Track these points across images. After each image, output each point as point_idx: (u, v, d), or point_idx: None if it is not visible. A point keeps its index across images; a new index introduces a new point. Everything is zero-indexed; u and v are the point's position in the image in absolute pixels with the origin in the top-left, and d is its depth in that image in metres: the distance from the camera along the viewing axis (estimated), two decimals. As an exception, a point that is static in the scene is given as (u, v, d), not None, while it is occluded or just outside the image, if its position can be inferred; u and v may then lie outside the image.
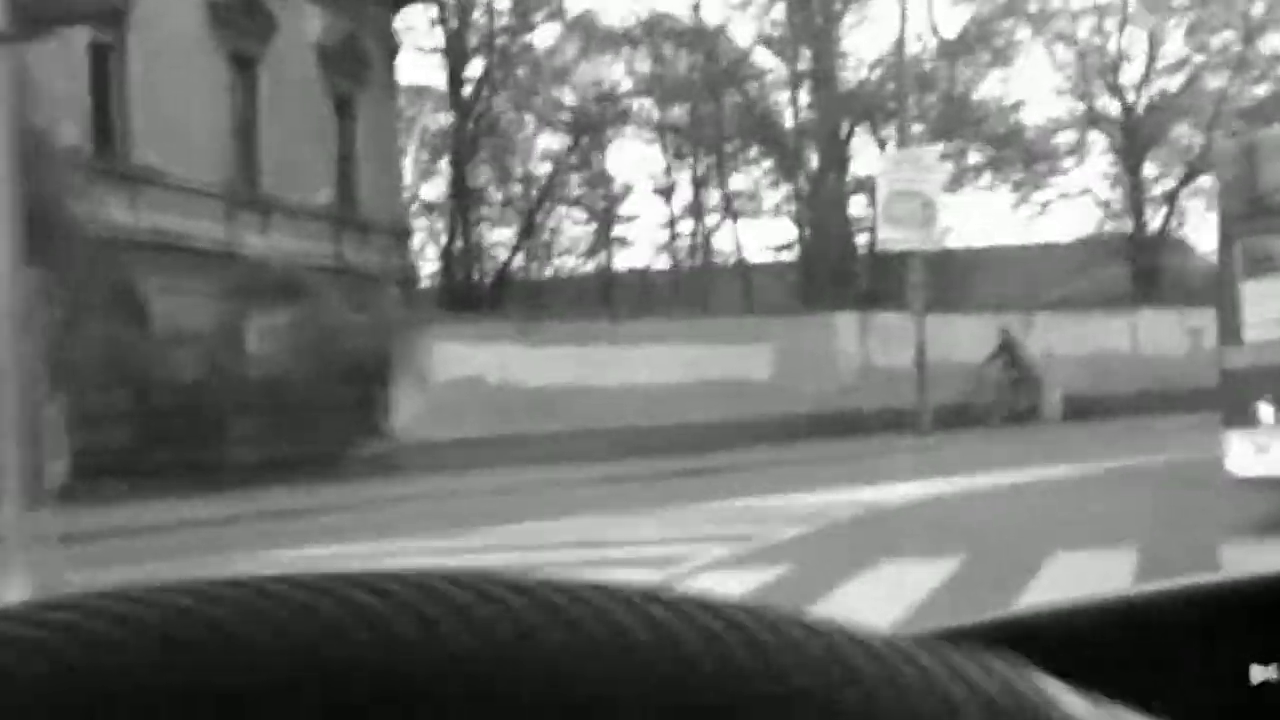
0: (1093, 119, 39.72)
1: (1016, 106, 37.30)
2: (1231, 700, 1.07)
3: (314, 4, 27.52)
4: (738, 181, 39.33)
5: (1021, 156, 37.21)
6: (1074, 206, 40.66)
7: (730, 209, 39.72)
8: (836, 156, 33.65)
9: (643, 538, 12.93)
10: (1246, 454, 11.62)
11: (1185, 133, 40.75)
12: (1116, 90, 39.71)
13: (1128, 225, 40.14)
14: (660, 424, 23.21)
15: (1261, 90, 40.85)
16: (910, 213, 23.72)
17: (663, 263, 42.14)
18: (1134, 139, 39.63)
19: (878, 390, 25.90)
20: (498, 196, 37.45)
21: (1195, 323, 31.19)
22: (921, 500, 15.32)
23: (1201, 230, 48.93)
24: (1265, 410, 11.46)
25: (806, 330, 25.73)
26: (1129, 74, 39.79)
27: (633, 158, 56.35)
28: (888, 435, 24.58)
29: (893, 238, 24.19)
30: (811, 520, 13.47)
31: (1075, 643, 1.05)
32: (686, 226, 42.00)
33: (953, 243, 34.80)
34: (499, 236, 38.13)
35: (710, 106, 34.91)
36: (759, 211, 38.20)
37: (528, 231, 37.77)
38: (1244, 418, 11.59)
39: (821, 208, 33.12)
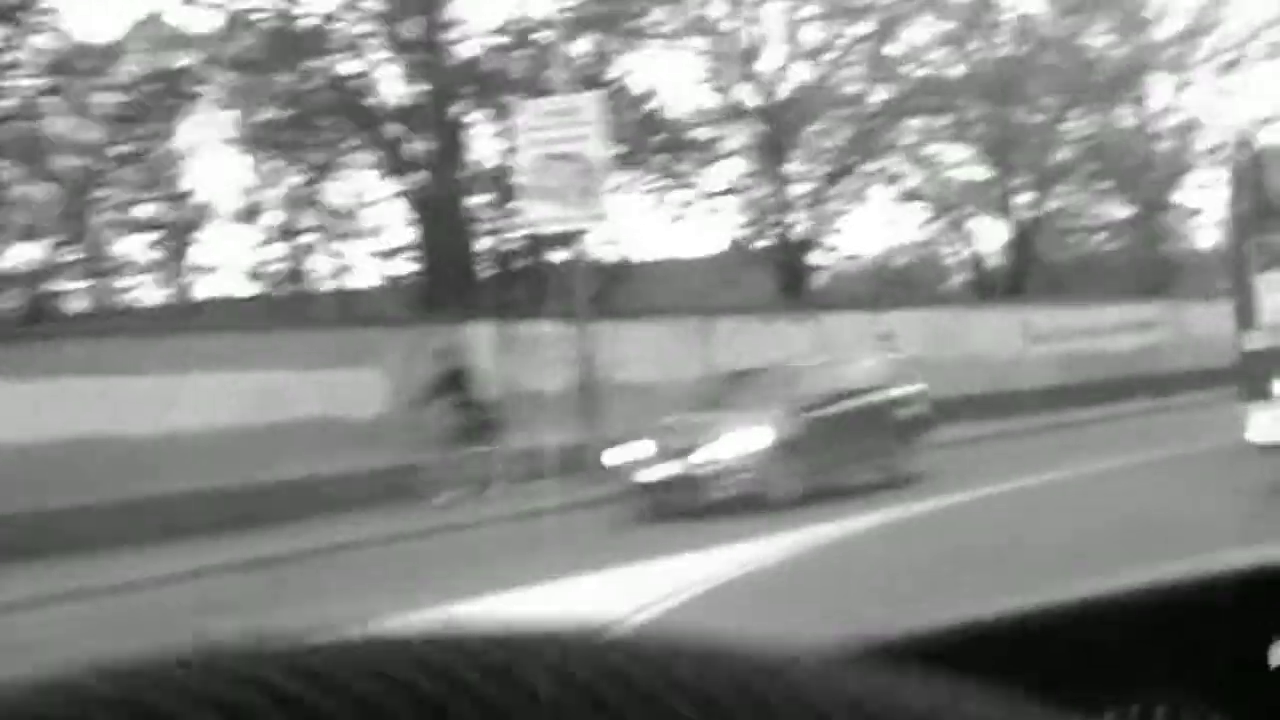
0: (732, 111, 33.50)
1: (651, 94, 30.49)
2: (1254, 681, 1.02)
3: None
4: (339, 193, 31.42)
5: (663, 149, 30.44)
6: (717, 212, 33.74)
7: (331, 222, 31.73)
8: (451, 143, 25.92)
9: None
10: (1264, 424, 12.39)
11: (826, 128, 35.19)
12: (755, 81, 33.66)
13: (773, 228, 34.07)
14: (222, 486, 15.01)
15: (897, 91, 35.92)
16: (567, 181, 16.34)
17: (253, 290, 33.86)
18: (775, 134, 33.64)
19: (526, 422, 18.35)
20: (25, 203, 28.00)
21: (886, 327, 24.97)
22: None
23: (853, 233, 44.12)
24: None
25: (426, 346, 17.89)
26: (767, 63, 33.85)
27: (216, 172, 46.86)
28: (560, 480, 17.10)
29: (545, 216, 16.72)
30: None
31: (1076, 639, 1.01)
32: (280, 249, 33.95)
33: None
34: (32, 254, 28.64)
35: (290, 80, 26.63)
36: (370, 229, 30.41)
37: (69, 247, 28.48)
38: (1261, 393, 12.43)
39: (438, 204, 25.33)
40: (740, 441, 15.14)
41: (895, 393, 17.45)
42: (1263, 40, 41.52)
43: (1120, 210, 41.16)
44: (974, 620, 1.05)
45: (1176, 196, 41.93)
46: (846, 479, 15.80)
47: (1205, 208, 45.53)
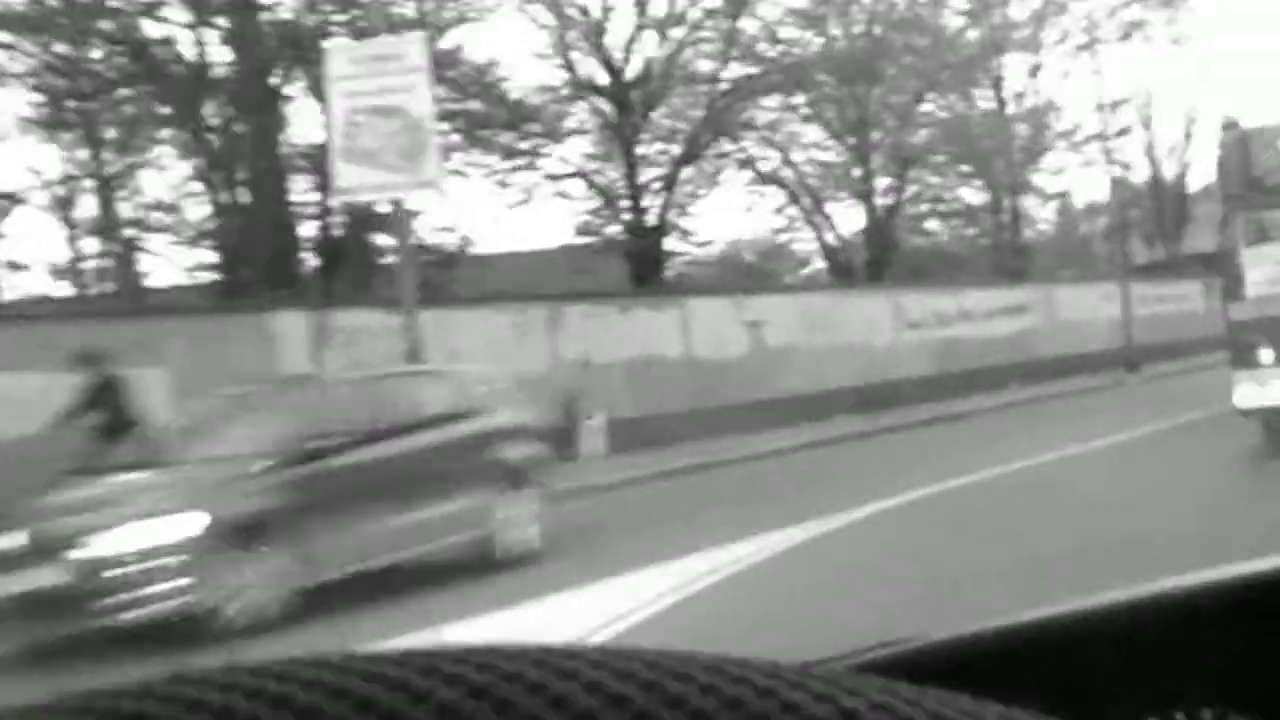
0: (579, 88, 30.71)
1: (492, 65, 27.49)
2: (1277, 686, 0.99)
3: None
4: (153, 180, 28.14)
5: (505, 125, 27.53)
6: (564, 197, 30.99)
7: (145, 212, 28.37)
8: (266, 114, 22.68)
9: None
10: (1250, 390, 12.84)
11: (678, 108, 32.62)
12: (603, 57, 30.91)
13: (624, 213, 31.38)
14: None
15: (752, 69, 33.49)
16: (389, 140, 13.39)
17: (66, 290, 30.60)
18: (625, 113, 30.95)
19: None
20: None
21: (755, 314, 22.37)
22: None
23: (708, 218, 41.26)
24: (1265, 353, 12.70)
25: (226, 340, 14.76)
26: (615, 38, 31.11)
27: (23, 160, 42.70)
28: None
29: (363, 182, 13.73)
30: None
31: (1091, 645, 0.98)
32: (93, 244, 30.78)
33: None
34: None
35: (85, 47, 23.10)
36: (187, 220, 27.06)
37: None
38: (1247, 360, 12.85)
39: (253, 185, 22.09)
40: (165, 523, 8.87)
41: (494, 423, 11.16)
42: (1115, 22, 40.18)
43: (978, 195, 39.41)
44: (1001, 629, 1.00)
45: (1034, 180, 40.37)
46: (392, 563, 9.86)
47: (1061, 191, 44.27)
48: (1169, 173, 45.22)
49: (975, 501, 11.88)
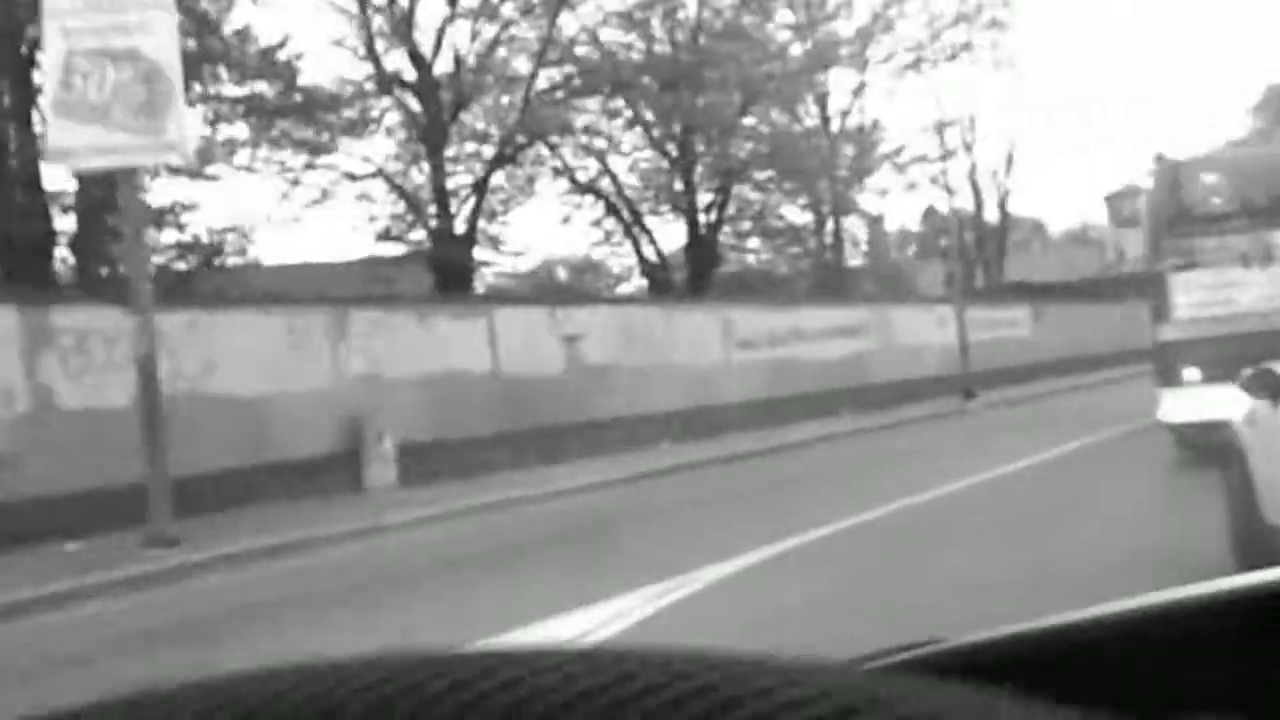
0: (384, 82, 27.79)
1: (283, 44, 24.31)
2: (1275, 700, 0.99)
3: None
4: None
5: (298, 111, 24.47)
6: (364, 199, 28.07)
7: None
8: (17, 86, 19.33)
9: None
10: (1174, 406, 13.27)
11: (491, 109, 29.95)
12: (410, 49, 28.07)
13: (429, 219, 28.54)
14: None
15: (570, 69, 31.02)
16: (118, 91, 10.46)
17: None
18: (433, 112, 28.15)
19: (69, 458, 12.30)
20: None
21: (572, 328, 19.69)
22: None
23: (521, 227, 38.39)
24: (1189, 372, 13.18)
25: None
26: (424, 31, 28.29)
27: None
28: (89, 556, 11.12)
29: (83, 142, 10.72)
30: None
31: (1095, 654, 0.99)
32: None
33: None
34: None
35: None
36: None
37: None
38: (1172, 378, 13.40)
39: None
40: None
41: None
42: (942, 42, 38.94)
43: (801, 214, 37.60)
44: (995, 637, 1.00)
45: (858, 200, 38.77)
46: None
47: (879, 214, 42.83)
48: (991, 199, 44.25)
49: (811, 566, 9.43)
